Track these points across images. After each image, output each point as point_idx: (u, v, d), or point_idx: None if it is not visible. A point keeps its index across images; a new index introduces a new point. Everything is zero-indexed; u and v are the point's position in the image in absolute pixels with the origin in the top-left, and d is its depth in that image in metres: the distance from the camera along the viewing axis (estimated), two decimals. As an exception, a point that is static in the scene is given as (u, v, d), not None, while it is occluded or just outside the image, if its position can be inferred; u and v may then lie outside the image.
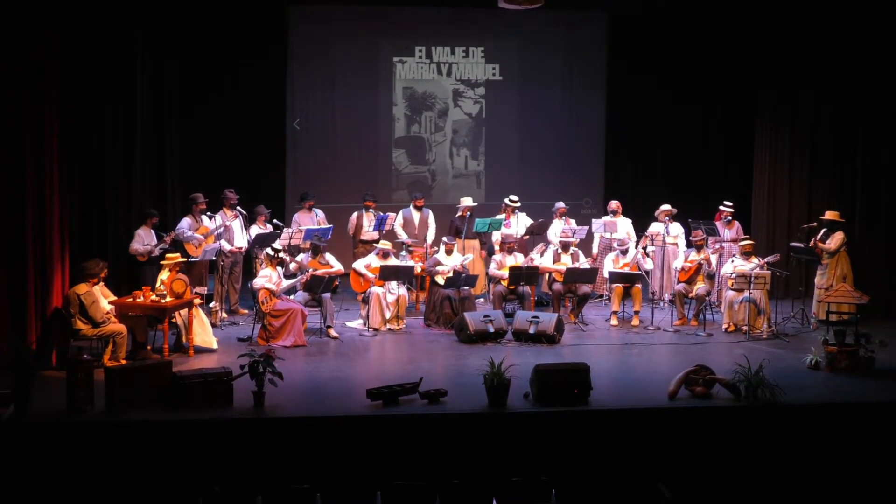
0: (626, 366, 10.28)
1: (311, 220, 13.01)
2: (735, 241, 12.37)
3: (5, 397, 8.23)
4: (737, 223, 12.95)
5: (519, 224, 13.28)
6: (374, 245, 12.31)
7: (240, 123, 14.58)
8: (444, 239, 12.34)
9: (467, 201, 13.33)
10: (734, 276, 11.43)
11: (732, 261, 11.84)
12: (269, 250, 11.19)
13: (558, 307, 12.08)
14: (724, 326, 11.63)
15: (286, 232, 12.35)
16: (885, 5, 12.47)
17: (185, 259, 10.97)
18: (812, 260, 12.13)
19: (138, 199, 12.03)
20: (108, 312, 9.90)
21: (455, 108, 15.55)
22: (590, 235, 13.46)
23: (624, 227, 13.18)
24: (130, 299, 10.26)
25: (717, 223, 12.95)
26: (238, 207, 12.26)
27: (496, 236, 13.08)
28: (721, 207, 12.97)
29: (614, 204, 13.43)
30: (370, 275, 11.71)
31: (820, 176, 13.48)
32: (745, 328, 11.39)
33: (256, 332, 10.92)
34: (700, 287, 11.89)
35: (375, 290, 11.56)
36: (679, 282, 12.03)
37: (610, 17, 15.45)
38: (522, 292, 12.00)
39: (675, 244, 12.87)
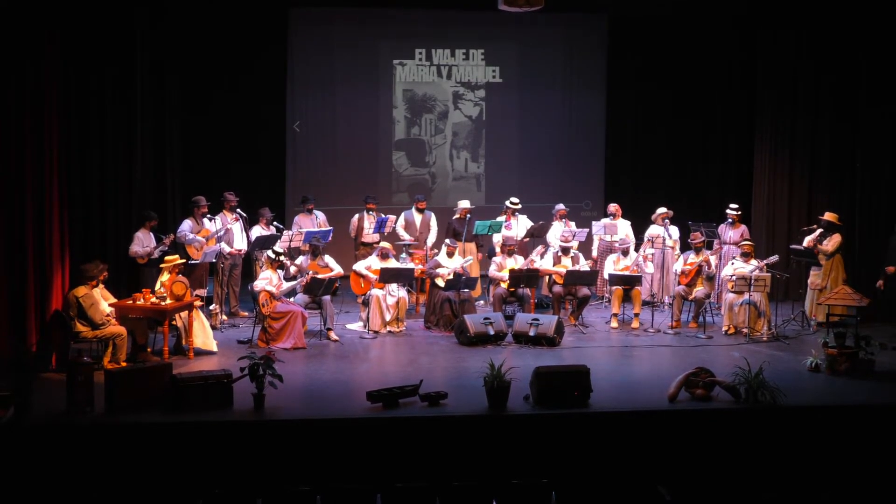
0: (626, 368, 10.28)
1: (311, 222, 13.01)
2: (736, 243, 12.36)
3: (5, 399, 8.22)
4: (743, 226, 12.92)
5: (519, 226, 13.28)
6: (376, 247, 12.31)
7: (240, 125, 14.58)
8: (447, 241, 12.34)
9: (464, 204, 13.33)
10: (734, 278, 11.43)
11: (732, 263, 11.84)
12: (269, 253, 11.19)
13: (558, 309, 12.08)
14: (724, 329, 11.63)
15: (286, 234, 12.36)
16: (884, 5, 12.48)
17: (184, 261, 10.97)
18: (811, 262, 12.14)
19: (138, 201, 12.04)
20: (108, 315, 9.90)
21: (455, 111, 15.56)
22: (589, 238, 13.47)
23: (623, 229, 13.18)
24: (130, 301, 10.27)
25: (723, 225, 12.91)
26: (238, 210, 12.26)
27: (497, 238, 13.08)
28: (727, 211, 12.94)
29: (613, 206, 13.44)
30: (371, 276, 11.71)
31: (820, 177, 13.50)
32: (745, 330, 11.38)
33: (256, 335, 10.92)
34: (699, 290, 11.89)
35: (375, 292, 11.56)
36: (679, 284, 12.02)
37: (610, 19, 15.46)
38: (522, 294, 12.00)
39: (673, 247, 12.86)
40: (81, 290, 9.78)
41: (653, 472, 8.12)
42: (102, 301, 9.99)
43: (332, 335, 11.24)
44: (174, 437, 8.11)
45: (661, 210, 13.06)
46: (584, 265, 12.37)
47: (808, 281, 12.15)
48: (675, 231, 12.98)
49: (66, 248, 10.90)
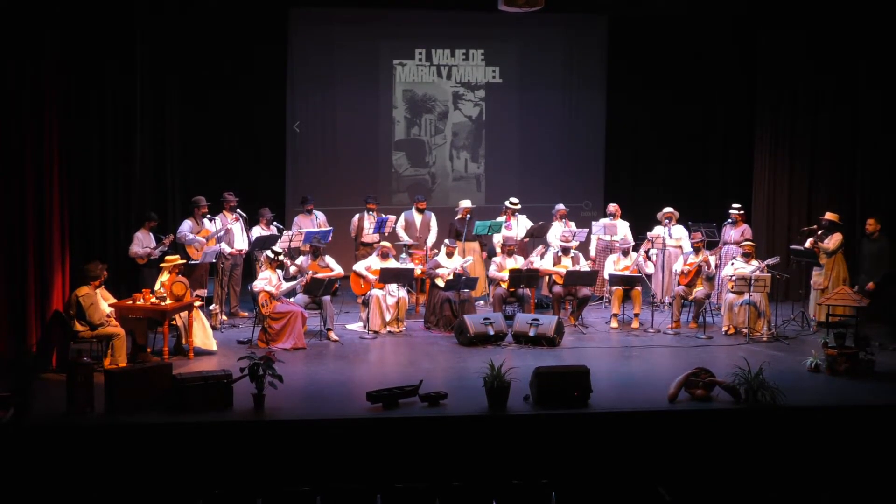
0: (625, 368, 10.27)
1: (311, 222, 13.01)
2: (737, 243, 12.36)
3: (5, 400, 8.23)
4: (745, 225, 12.90)
5: (519, 226, 13.27)
6: (376, 247, 12.31)
7: (240, 125, 14.58)
8: (446, 241, 12.33)
9: (466, 203, 13.34)
10: (734, 278, 11.43)
11: (733, 263, 11.84)
12: (268, 253, 11.19)
13: (558, 310, 12.08)
14: (724, 329, 11.62)
15: (286, 234, 12.35)
16: (884, 5, 12.49)
17: (184, 261, 10.97)
18: (812, 263, 12.14)
19: (138, 201, 12.04)
20: (108, 315, 9.90)
21: (455, 111, 15.55)
22: (589, 238, 13.47)
23: (623, 229, 13.18)
24: (130, 302, 10.27)
25: (726, 225, 12.89)
26: (238, 210, 12.26)
27: (497, 238, 13.08)
28: (731, 211, 12.92)
29: (613, 207, 13.44)
30: (371, 276, 11.71)
31: (820, 177, 13.50)
32: (745, 331, 11.38)
33: (256, 335, 10.92)
34: (699, 290, 11.89)
35: (375, 292, 11.56)
36: (679, 285, 12.02)
37: (610, 19, 15.45)
38: (522, 295, 12.00)
39: (679, 247, 12.82)
40: (83, 290, 9.78)
41: (653, 472, 8.12)
42: (102, 301, 9.99)
43: (332, 335, 11.24)
44: (174, 437, 8.11)
45: (667, 210, 13.00)
46: (584, 265, 12.37)
47: (812, 281, 12.14)
48: (676, 231, 12.91)
49: (66, 248, 10.90)
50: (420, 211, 13.32)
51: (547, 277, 12.56)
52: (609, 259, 12.58)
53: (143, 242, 11.43)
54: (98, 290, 9.96)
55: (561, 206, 13.51)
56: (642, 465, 8.30)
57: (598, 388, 8.92)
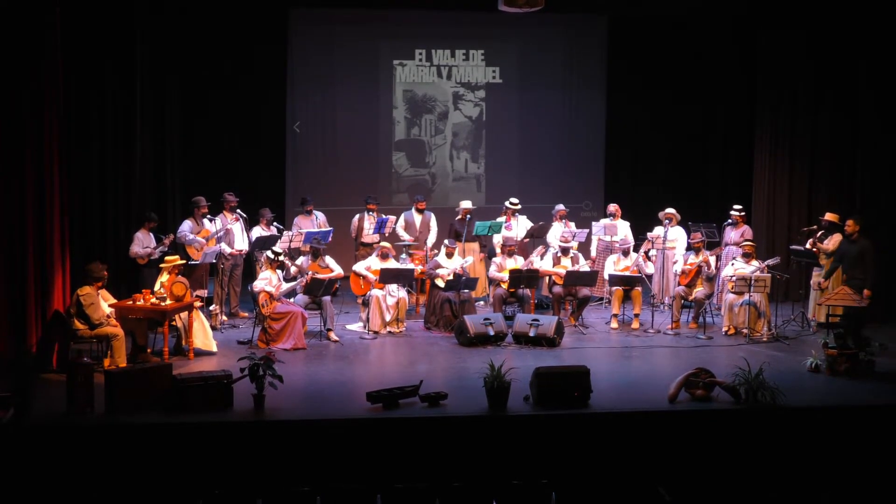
0: (626, 369, 10.27)
1: (311, 223, 13.01)
2: (737, 244, 12.35)
3: (5, 400, 8.22)
4: (745, 226, 12.89)
5: (519, 227, 13.27)
6: (376, 247, 12.32)
7: (240, 126, 14.58)
8: (446, 242, 12.34)
9: (466, 204, 13.34)
10: (734, 279, 11.43)
11: (733, 263, 11.84)
12: (268, 253, 11.19)
13: (558, 310, 12.08)
14: (724, 329, 11.62)
15: (286, 235, 12.35)
16: (884, 5, 12.49)
17: (184, 262, 10.97)
18: (812, 263, 12.14)
19: (138, 201, 12.05)
20: (108, 316, 9.89)
21: (455, 111, 15.55)
22: (589, 238, 13.47)
23: (623, 230, 13.17)
24: (130, 302, 10.27)
25: (728, 227, 12.88)
26: (238, 210, 12.26)
27: (497, 239, 13.08)
28: (731, 212, 12.90)
29: (613, 207, 13.43)
30: (371, 276, 11.71)
31: (820, 178, 13.49)
32: (746, 331, 11.38)
33: (256, 335, 10.92)
34: (699, 290, 11.88)
35: (375, 292, 11.56)
36: (679, 285, 12.02)
37: (610, 19, 15.46)
38: (522, 295, 12.00)
39: (673, 248, 12.80)
40: (85, 290, 9.78)
41: (653, 472, 8.12)
42: (103, 302, 9.98)
43: (332, 336, 11.24)
44: (174, 437, 8.11)
45: (667, 210, 12.96)
46: (583, 266, 12.37)
47: (811, 282, 12.14)
48: (673, 233, 12.83)
49: (66, 248, 10.91)
50: (420, 211, 13.33)
51: (547, 278, 12.56)
52: (609, 259, 12.58)
53: (143, 242, 11.43)
54: (99, 292, 9.96)
55: (561, 207, 13.51)
56: (642, 465, 8.30)
57: (598, 388, 8.93)
